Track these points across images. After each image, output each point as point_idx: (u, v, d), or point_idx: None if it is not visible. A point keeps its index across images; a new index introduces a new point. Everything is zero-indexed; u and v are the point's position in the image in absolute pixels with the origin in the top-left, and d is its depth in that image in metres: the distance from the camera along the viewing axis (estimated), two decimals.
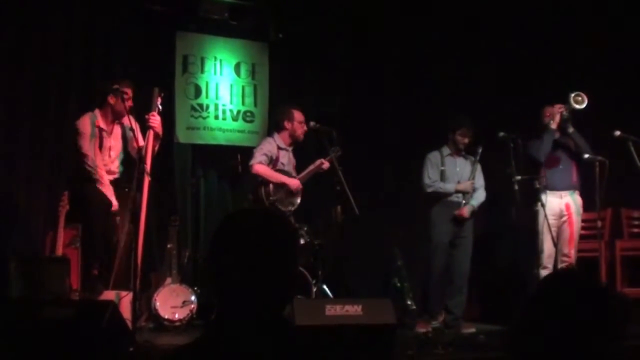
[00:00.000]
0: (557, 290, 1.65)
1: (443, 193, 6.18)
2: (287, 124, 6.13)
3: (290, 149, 6.20)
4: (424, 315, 6.18)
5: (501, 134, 5.95)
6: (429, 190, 6.20)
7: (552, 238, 5.91)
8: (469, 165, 6.30)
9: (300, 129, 6.15)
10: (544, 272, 5.87)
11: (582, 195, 6.14)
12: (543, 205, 5.82)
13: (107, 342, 3.83)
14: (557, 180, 6.07)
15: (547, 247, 5.94)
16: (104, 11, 6.64)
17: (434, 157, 6.29)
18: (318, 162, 6.18)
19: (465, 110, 6.41)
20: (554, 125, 6.01)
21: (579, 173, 6.12)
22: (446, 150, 6.31)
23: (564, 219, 6.06)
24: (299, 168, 6.31)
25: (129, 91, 5.53)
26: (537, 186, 5.84)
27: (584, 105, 5.92)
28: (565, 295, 1.61)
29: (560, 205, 6.05)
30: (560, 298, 1.61)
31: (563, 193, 6.07)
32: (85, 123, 5.49)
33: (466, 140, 6.23)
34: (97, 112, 5.57)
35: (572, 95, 5.93)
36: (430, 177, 6.21)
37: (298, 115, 6.16)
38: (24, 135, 6.14)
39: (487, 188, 6.34)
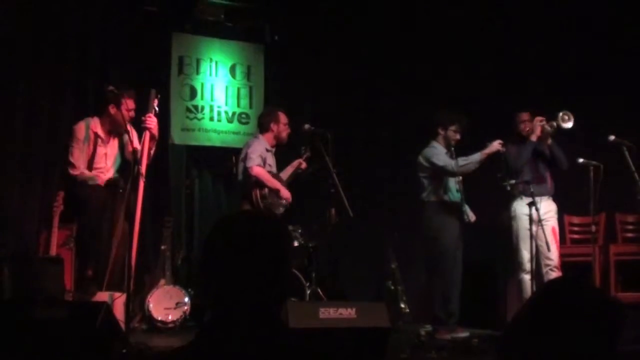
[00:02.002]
0: (555, 296, 1.65)
1: (461, 171, 5.89)
2: (273, 126, 6.08)
3: (273, 150, 6.16)
4: (443, 322, 5.96)
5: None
6: (462, 168, 5.86)
7: (529, 242, 5.83)
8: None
9: (285, 132, 6.12)
10: (526, 277, 5.83)
11: (555, 201, 6.09)
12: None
13: (100, 344, 3.82)
14: (533, 186, 5.98)
15: (526, 250, 5.88)
16: (100, 12, 6.63)
17: (434, 147, 6.06)
18: (296, 162, 6.21)
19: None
20: (534, 138, 5.91)
21: (554, 180, 6.09)
22: (439, 146, 6.09)
23: (541, 223, 5.89)
24: (280, 170, 6.29)
25: (131, 103, 5.51)
26: (514, 192, 5.87)
27: (570, 125, 5.84)
28: (563, 300, 1.62)
29: (535, 211, 5.92)
30: (557, 303, 1.61)
31: (538, 199, 5.89)
32: (80, 127, 5.56)
33: (458, 137, 6.06)
34: (96, 119, 5.63)
35: (560, 114, 5.82)
36: (449, 160, 5.90)
37: (283, 118, 6.12)
38: (17, 136, 6.10)
39: (475, 192, 6.24)
